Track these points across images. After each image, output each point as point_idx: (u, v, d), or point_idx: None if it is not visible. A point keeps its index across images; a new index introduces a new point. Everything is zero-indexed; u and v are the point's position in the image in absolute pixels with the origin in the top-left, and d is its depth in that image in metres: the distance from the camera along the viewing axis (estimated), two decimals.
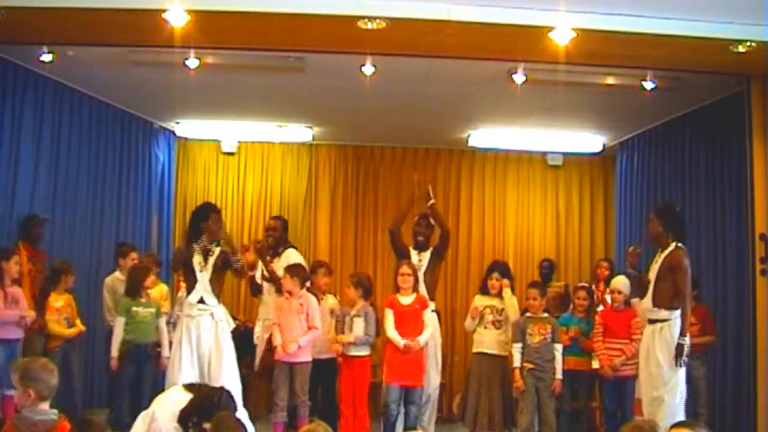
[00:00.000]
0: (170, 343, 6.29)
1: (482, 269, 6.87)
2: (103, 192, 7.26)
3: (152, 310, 6.04)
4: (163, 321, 6.12)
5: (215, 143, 8.65)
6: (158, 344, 6.06)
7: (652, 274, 5.15)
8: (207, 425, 3.53)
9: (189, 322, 5.31)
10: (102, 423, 3.55)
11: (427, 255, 6.31)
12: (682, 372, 4.97)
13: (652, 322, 5.11)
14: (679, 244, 5.08)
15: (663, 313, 5.02)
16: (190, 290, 5.41)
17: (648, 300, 5.16)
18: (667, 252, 5.08)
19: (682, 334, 4.93)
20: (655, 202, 7.33)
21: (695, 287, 5.60)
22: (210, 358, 5.27)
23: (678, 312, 4.99)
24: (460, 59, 5.61)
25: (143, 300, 6.03)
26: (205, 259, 5.41)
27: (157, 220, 8.12)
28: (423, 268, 6.24)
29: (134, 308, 5.97)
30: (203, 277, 5.38)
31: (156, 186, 8.11)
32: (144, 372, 5.97)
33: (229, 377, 5.20)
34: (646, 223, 5.50)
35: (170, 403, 3.82)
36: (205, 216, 5.49)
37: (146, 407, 5.55)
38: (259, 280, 6.53)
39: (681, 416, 4.86)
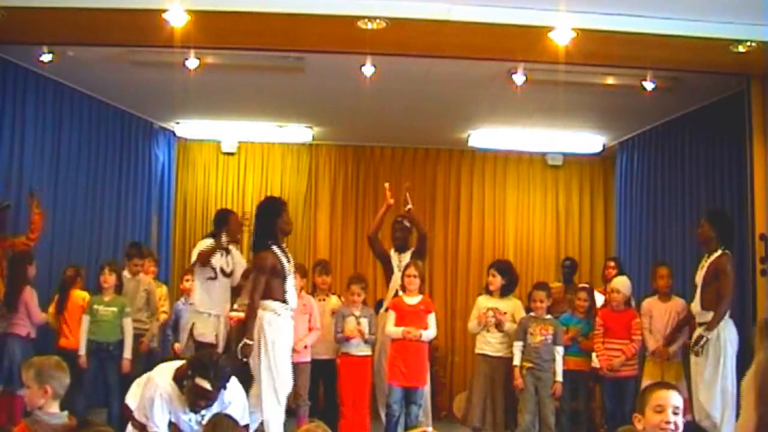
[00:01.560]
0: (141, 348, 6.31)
1: (482, 269, 6.86)
2: (103, 192, 7.25)
3: (115, 309, 5.94)
4: (129, 321, 5.98)
5: (215, 143, 8.65)
6: (122, 344, 5.93)
7: (699, 279, 5.35)
8: (201, 381, 3.59)
9: (280, 321, 5.06)
10: (102, 421, 3.58)
11: (407, 256, 6.28)
12: (725, 372, 5.13)
13: (701, 324, 5.31)
14: (726, 250, 5.29)
15: (711, 316, 5.22)
16: (275, 292, 5.06)
17: (696, 304, 5.36)
18: (713, 257, 5.29)
19: (709, 328, 5.17)
20: (656, 203, 7.37)
21: None
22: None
23: (727, 315, 5.23)
24: (460, 59, 5.60)
25: (107, 299, 5.95)
26: (288, 260, 5.19)
27: (156, 221, 8.11)
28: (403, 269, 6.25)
29: (95, 306, 5.91)
30: (292, 279, 5.18)
31: (156, 186, 8.10)
32: (107, 371, 5.87)
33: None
34: (696, 226, 5.64)
35: (168, 365, 3.90)
36: (279, 211, 5.25)
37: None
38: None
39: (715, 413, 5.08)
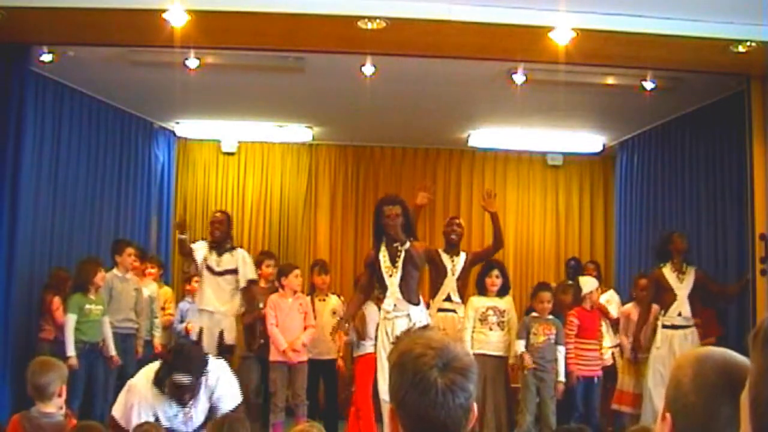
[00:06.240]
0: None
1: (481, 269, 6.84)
2: (103, 192, 7.24)
3: (101, 306, 5.84)
4: (107, 319, 5.86)
5: (215, 143, 8.65)
6: (104, 342, 5.84)
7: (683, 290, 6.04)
8: (179, 376, 3.55)
9: (386, 325, 5.08)
10: (101, 426, 3.58)
11: (459, 260, 6.10)
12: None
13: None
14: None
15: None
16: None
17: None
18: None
19: None
20: (656, 203, 7.38)
21: None
22: None
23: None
24: (460, 59, 5.60)
25: (93, 297, 5.80)
26: (394, 258, 5.06)
27: (156, 221, 8.11)
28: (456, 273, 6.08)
29: (87, 306, 5.73)
30: (392, 282, 5.07)
31: (156, 186, 8.10)
32: (96, 371, 5.74)
33: None
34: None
35: (148, 368, 3.83)
36: (376, 209, 5.19)
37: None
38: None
39: None
